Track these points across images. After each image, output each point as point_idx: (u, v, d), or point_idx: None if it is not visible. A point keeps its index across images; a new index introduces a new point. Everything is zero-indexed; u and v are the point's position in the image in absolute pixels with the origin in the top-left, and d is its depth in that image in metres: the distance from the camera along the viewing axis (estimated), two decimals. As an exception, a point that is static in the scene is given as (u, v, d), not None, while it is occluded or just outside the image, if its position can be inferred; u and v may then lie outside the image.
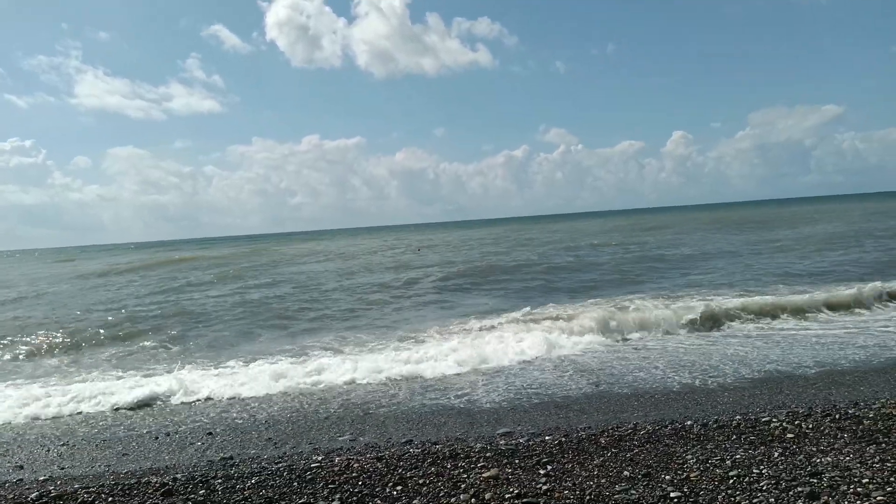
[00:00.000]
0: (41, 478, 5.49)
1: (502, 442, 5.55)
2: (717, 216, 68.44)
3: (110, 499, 4.66)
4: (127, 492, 4.78)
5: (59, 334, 13.98)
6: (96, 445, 6.51)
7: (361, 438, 6.18)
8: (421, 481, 4.62)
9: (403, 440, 5.97)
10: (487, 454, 5.15)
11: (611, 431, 5.60)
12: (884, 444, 4.69)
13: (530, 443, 5.42)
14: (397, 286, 20.66)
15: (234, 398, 8.13)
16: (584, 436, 5.52)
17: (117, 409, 7.89)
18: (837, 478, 4.07)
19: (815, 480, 4.06)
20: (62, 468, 5.82)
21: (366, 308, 16.32)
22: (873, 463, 4.30)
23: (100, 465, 5.85)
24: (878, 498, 3.71)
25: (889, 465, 4.23)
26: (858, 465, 4.29)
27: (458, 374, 8.82)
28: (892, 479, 3.98)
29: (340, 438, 6.23)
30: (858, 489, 3.86)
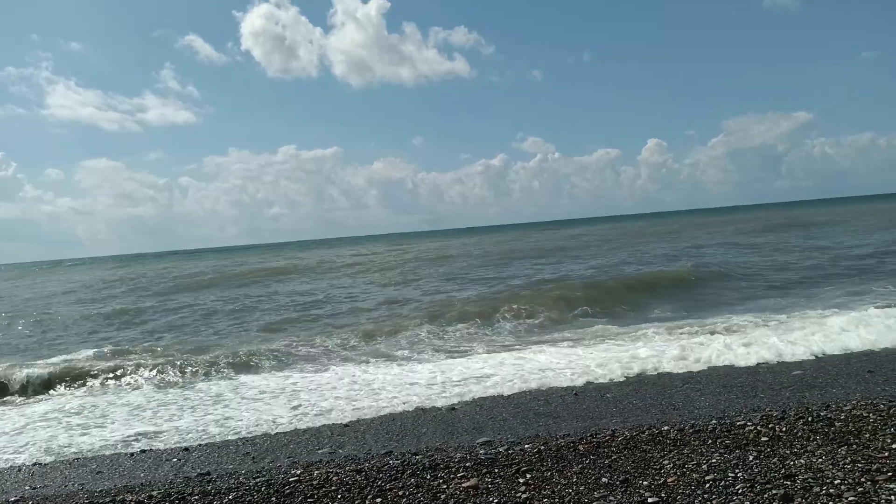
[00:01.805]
0: (12, 498, 5.37)
1: (482, 451, 5.56)
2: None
3: (84, 518, 4.57)
4: (101, 511, 4.70)
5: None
6: (69, 464, 6.39)
7: (341, 451, 6.14)
8: (400, 493, 4.60)
9: (383, 451, 5.94)
10: (467, 464, 5.16)
11: (589, 438, 5.64)
12: (855, 445, 4.79)
13: (510, 451, 5.43)
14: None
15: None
16: (563, 443, 5.55)
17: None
18: (810, 479, 4.14)
19: (789, 482, 4.13)
20: (34, 488, 5.70)
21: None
22: (845, 464, 4.38)
23: (73, 484, 5.73)
24: (850, 498, 3.78)
25: (860, 465, 4.32)
26: (831, 466, 4.37)
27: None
28: (863, 479, 4.06)
29: (319, 451, 6.19)
30: (831, 490, 3.93)
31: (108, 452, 6.68)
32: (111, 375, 10.83)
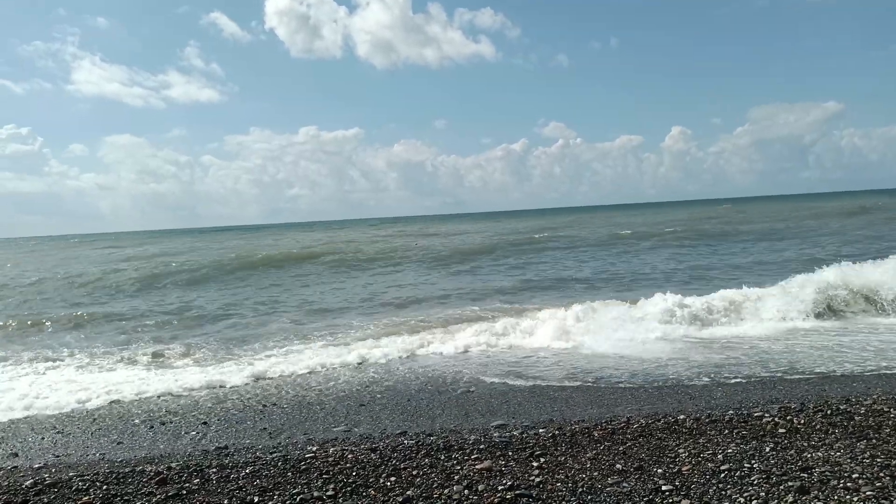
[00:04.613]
0: (36, 465, 5.51)
1: (496, 434, 5.58)
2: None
3: (105, 486, 4.67)
4: (122, 480, 4.80)
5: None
6: (91, 434, 6.53)
7: (356, 429, 6.20)
8: (415, 472, 4.64)
9: (398, 431, 6.00)
10: (481, 446, 5.18)
11: (604, 425, 5.63)
12: (874, 440, 4.73)
13: (524, 435, 5.44)
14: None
15: (229, 388, 8.14)
16: (577, 429, 5.55)
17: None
18: (828, 473, 4.10)
19: (806, 475, 4.09)
20: (56, 456, 5.84)
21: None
22: (863, 458, 4.33)
23: (94, 454, 5.87)
24: (868, 493, 3.74)
25: (879, 460, 4.26)
26: (849, 460, 4.32)
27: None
28: (881, 474, 4.01)
29: (335, 429, 6.26)
30: (848, 484, 3.89)
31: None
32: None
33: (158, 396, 7.82)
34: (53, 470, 5.31)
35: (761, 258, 21.66)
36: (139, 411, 7.28)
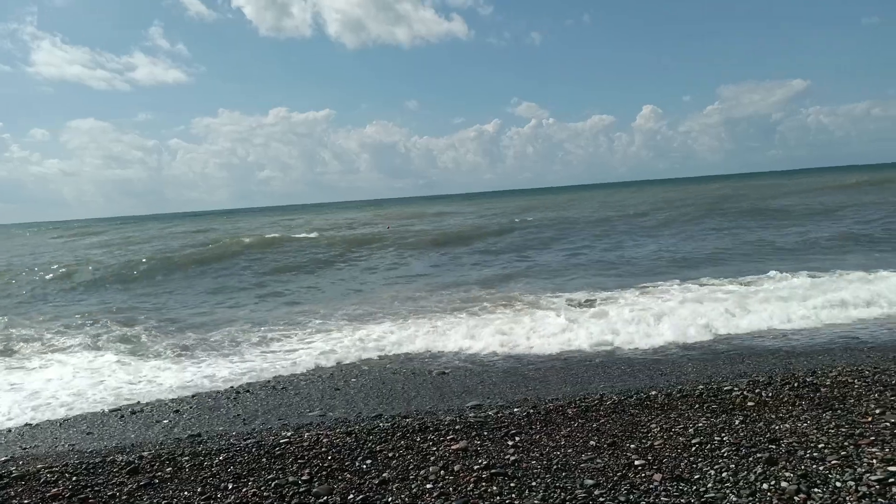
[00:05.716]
0: (2, 458, 5.38)
1: (472, 414, 5.60)
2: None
3: (74, 477, 4.58)
4: (91, 470, 4.71)
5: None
6: (59, 424, 6.39)
7: (331, 413, 6.17)
8: (391, 454, 4.64)
9: (373, 415, 5.99)
10: (457, 427, 5.19)
11: (578, 403, 5.69)
12: (839, 411, 4.86)
13: (499, 415, 5.47)
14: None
15: (208, 376, 8.03)
16: (551, 407, 5.60)
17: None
18: (795, 443, 4.20)
19: (774, 446, 4.18)
20: (24, 448, 5.71)
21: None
22: (829, 429, 4.44)
23: (63, 445, 5.75)
24: (833, 462, 3.84)
25: (844, 430, 4.38)
26: (815, 431, 4.43)
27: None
28: (846, 443, 4.12)
29: (310, 414, 6.22)
30: (815, 454, 4.00)
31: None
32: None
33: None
34: (21, 462, 5.19)
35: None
36: (109, 402, 7.14)
